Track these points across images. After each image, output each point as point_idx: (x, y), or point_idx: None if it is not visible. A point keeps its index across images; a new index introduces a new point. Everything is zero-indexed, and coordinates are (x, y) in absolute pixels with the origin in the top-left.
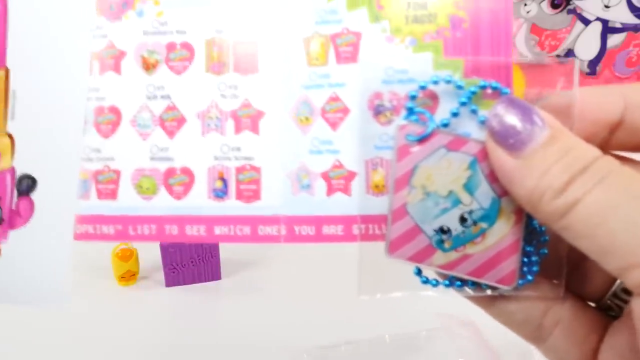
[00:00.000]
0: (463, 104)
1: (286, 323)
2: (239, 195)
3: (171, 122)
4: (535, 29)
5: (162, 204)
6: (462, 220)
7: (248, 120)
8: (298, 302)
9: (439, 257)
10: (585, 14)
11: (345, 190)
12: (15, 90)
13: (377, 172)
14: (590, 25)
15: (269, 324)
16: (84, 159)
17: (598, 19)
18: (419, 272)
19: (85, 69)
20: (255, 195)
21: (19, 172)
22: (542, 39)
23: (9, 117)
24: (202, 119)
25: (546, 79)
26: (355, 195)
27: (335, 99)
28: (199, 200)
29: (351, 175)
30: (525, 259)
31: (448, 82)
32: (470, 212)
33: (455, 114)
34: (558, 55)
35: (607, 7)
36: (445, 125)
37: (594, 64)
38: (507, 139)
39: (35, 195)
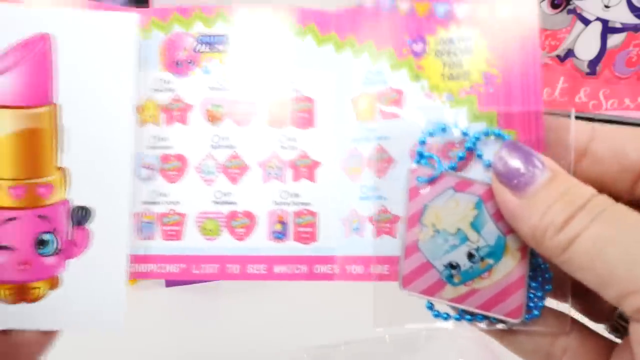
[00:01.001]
0: (469, 149)
1: (286, 323)
2: (297, 237)
3: (234, 169)
4: None
5: (225, 244)
6: (470, 256)
7: (305, 169)
8: (298, 302)
9: (449, 291)
10: (585, 14)
11: (391, 232)
12: (66, 126)
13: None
14: (590, 25)
15: (269, 324)
16: (149, 203)
17: (598, 19)
18: (431, 306)
19: (130, 106)
20: (311, 237)
21: (73, 203)
22: (542, 39)
23: (59, 151)
24: (263, 167)
25: (547, 79)
26: (400, 237)
27: (380, 150)
28: (259, 242)
29: (396, 219)
30: (532, 295)
31: (463, 131)
32: (478, 249)
33: (461, 158)
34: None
35: (607, 7)
36: (453, 168)
37: (594, 64)
38: (511, 180)
39: (90, 225)
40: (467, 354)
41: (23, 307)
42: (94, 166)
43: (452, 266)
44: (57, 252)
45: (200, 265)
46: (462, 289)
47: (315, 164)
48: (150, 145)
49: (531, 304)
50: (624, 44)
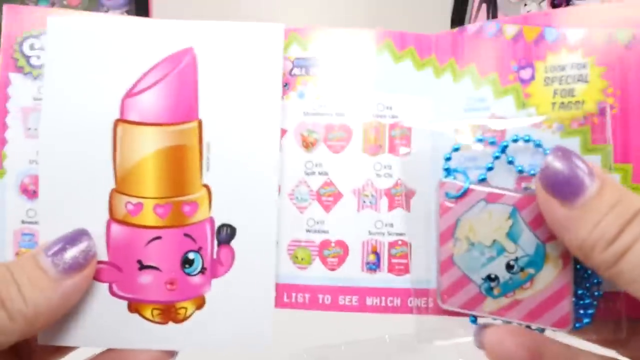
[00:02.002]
0: (496, 157)
1: (286, 323)
2: (391, 269)
3: (328, 197)
4: None
5: (317, 274)
6: (509, 267)
7: (400, 198)
8: None
9: (490, 303)
10: None
11: None
12: (209, 143)
13: None
14: None
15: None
16: None
17: None
18: (474, 320)
19: (277, 122)
20: (405, 269)
21: (218, 221)
22: None
23: (204, 169)
24: (357, 195)
25: None
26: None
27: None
28: (352, 272)
29: None
30: (581, 302)
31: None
32: (516, 259)
33: (490, 169)
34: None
35: None
36: (483, 179)
37: None
38: (560, 190)
39: (235, 244)
40: (467, 354)
41: (170, 327)
42: (237, 183)
43: (490, 279)
44: (202, 271)
45: (291, 294)
46: (504, 301)
47: (411, 192)
48: None
49: (581, 312)
50: None
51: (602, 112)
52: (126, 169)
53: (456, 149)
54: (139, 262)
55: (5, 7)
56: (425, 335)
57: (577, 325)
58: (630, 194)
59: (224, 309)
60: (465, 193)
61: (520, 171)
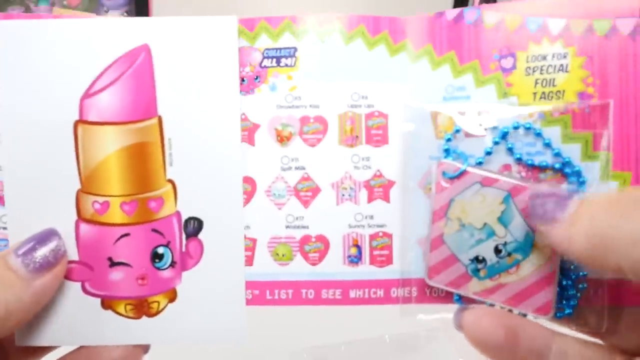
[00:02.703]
0: (496, 143)
1: (286, 323)
2: (373, 261)
3: (306, 192)
4: None
5: (298, 269)
6: (497, 251)
7: (380, 189)
8: None
9: (475, 284)
10: None
11: None
12: (170, 138)
13: None
14: None
15: (269, 324)
16: None
17: None
18: (459, 300)
19: (237, 111)
20: (387, 260)
21: (185, 215)
22: None
23: (167, 164)
24: (336, 189)
25: None
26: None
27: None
28: (334, 266)
29: None
30: (565, 292)
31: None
32: (505, 244)
33: (489, 153)
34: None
35: None
36: (480, 163)
37: None
38: (548, 216)
39: (202, 235)
40: (467, 354)
41: (144, 321)
42: (202, 177)
43: (478, 260)
44: (172, 264)
45: (274, 291)
46: (489, 283)
47: (390, 183)
48: None
49: (564, 302)
50: None
51: (582, 101)
52: (90, 169)
53: (457, 131)
54: (110, 259)
55: None
56: (409, 309)
57: (558, 314)
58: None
59: (196, 300)
60: (461, 174)
61: (519, 159)
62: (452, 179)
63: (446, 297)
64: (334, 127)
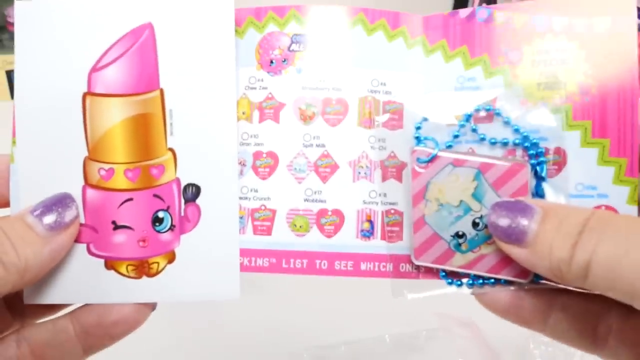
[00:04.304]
0: (462, 126)
1: (286, 323)
2: (384, 236)
3: (325, 168)
4: None
5: (314, 240)
6: (475, 225)
7: (394, 170)
8: (298, 301)
9: (458, 258)
10: None
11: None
12: (172, 110)
13: None
14: None
15: (269, 324)
16: (241, 198)
17: None
18: (445, 275)
19: (232, 86)
20: (397, 236)
21: (184, 181)
22: None
23: (168, 134)
24: (353, 167)
25: None
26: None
27: (471, 152)
28: (347, 239)
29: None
30: None
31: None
32: (481, 217)
33: (456, 136)
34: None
35: None
36: (449, 146)
37: None
38: (510, 236)
39: (200, 201)
40: (467, 354)
41: (144, 281)
42: (200, 146)
43: (458, 235)
44: (172, 228)
45: (289, 260)
46: (471, 256)
47: (403, 164)
48: (242, 141)
49: None
50: None
51: (582, 91)
52: (97, 138)
53: (425, 119)
54: (113, 222)
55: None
56: (399, 289)
57: (536, 279)
58: (574, 211)
59: (194, 261)
60: (434, 158)
61: (482, 139)
62: (426, 163)
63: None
64: (354, 110)
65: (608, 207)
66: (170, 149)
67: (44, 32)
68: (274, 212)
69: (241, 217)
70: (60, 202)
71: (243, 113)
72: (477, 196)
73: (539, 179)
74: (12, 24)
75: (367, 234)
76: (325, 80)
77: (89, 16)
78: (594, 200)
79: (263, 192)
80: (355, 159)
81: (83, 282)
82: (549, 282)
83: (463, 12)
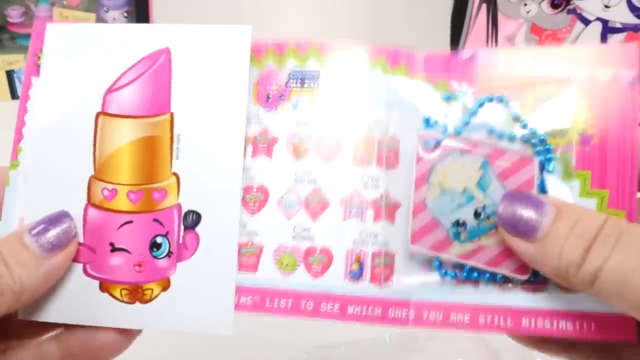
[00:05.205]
0: (473, 113)
1: (286, 323)
2: (373, 279)
3: (315, 204)
4: (535, 29)
5: (300, 280)
6: (476, 214)
7: (386, 210)
8: None
9: (456, 247)
10: (585, 14)
11: (476, 280)
12: (180, 134)
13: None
14: (590, 25)
15: (269, 323)
16: None
17: (598, 19)
18: (439, 265)
19: (242, 115)
20: (387, 279)
21: (185, 208)
22: (542, 39)
23: (174, 158)
24: (344, 205)
25: None
26: (482, 287)
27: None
28: (335, 280)
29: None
30: None
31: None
32: (484, 207)
33: (467, 123)
34: None
35: (607, 7)
36: (459, 132)
37: None
38: (519, 229)
39: (200, 229)
40: (467, 354)
41: (137, 307)
42: (204, 173)
43: (459, 224)
44: (169, 254)
45: (274, 299)
46: (469, 246)
47: (396, 205)
48: None
49: None
50: None
51: (583, 141)
52: (104, 157)
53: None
54: (111, 244)
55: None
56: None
57: (533, 277)
58: (588, 213)
59: (188, 290)
60: (441, 143)
61: (491, 131)
62: (433, 147)
63: (443, 323)
64: (348, 147)
65: None
66: (175, 174)
67: (69, 55)
68: (260, 248)
69: None
70: (59, 220)
71: None
72: (481, 185)
73: (544, 174)
74: (12, 24)
75: (356, 275)
76: (320, 116)
77: (111, 41)
78: None
79: (251, 226)
80: (347, 197)
81: (77, 303)
82: (545, 283)
83: (465, 53)
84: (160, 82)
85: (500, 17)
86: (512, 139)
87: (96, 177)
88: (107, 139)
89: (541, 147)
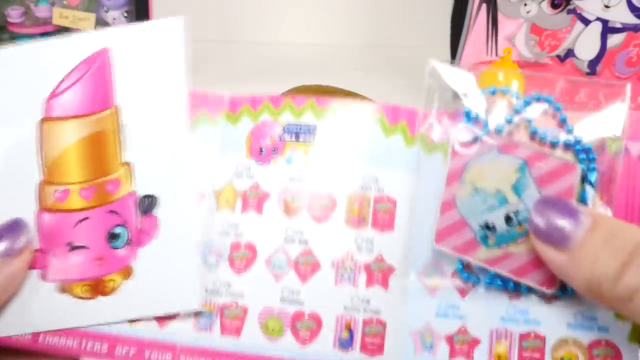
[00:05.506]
0: (517, 111)
1: None
2: (364, 348)
3: (305, 266)
4: (535, 29)
5: (287, 347)
6: (508, 219)
7: (380, 274)
8: None
9: (482, 251)
10: (585, 14)
11: (468, 356)
12: (126, 125)
13: (500, 344)
14: (590, 25)
15: None
16: (212, 292)
17: (598, 19)
18: (462, 269)
19: (182, 99)
20: (378, 350)
21: (141, 194)
22: (542, 39)
23: (123, 148)
24: (336, 268)
25: (546, 81)
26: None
27: (467, 266)
28: (324, 348)
29: (476, 342)
30: None
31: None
32: (516, 213)
33: (509, 121)
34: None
35: (607, 7)
36: (499, 131)
37: (593, 64)
38: (552, 237)
39: (158, 212)
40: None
41: (99, 301)
42: (155, 157)
43: (488, 227)
44: (128, 242)
45: None
46: (496, 252)
47: (390, 269)
48: (222, 231)
49: None
50: (624, 44)
51: None
52: (52, 162)
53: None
54: (69, 244)
55: None
56: None
57: (560, 292)
58: (628, 226)
59: (152, 274)
60: (480, 139)
61: (534, 132)
62: (470, 143)
63: None
64: (342, 206)
65: (608, 342)
66: (127, 163)
67: (7, 72)
68: (245, 310)
69: (209, 313)
70: (12, 228)
71: (226, 201)
72: (517, 189)
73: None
74: (12, 24)
75: (346, 344)
76: (314, 173)
77: (46, 51)
78: (593, 334)
79: (236, 287)
80: (339, 259)
81: (35, 310)
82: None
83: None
84: (101, 80)
85: (500, 17)
86: (555, 144)
87: (46, 182)
88: (53, 142)
89: (584, 156)
